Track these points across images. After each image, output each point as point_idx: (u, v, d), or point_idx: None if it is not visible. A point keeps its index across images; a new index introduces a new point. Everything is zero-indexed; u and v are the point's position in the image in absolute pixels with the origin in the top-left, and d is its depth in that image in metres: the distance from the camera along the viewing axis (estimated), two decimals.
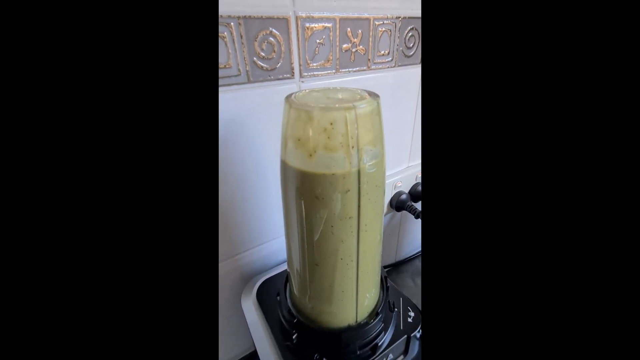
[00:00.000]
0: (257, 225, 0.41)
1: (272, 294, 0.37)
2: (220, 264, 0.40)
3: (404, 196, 0.52)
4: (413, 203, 0.53)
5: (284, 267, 0.42)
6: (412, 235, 0.67)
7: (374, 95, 0.22)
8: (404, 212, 0.59)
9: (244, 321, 0.38)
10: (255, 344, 0.34)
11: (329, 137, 0.20)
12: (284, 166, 0.24)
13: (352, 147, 0.20)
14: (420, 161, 0.56)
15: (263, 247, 0.43)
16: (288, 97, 0.22)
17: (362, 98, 0.22)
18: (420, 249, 0.71)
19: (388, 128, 0.47)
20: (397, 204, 0.52)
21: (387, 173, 0.52)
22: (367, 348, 0.29)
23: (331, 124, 0.20)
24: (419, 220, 0.59)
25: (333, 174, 0.21)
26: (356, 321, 0.29)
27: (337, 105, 0.20)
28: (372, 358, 0.29)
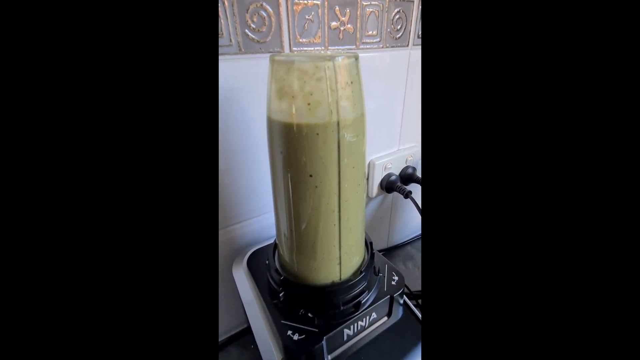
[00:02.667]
0: (249, 198, 0.43)
1: (262, 262, 0.38)
2: None
3: (393, 177, 0.54)
4: (402, 184, 0.55)
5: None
6: (404, 221, 0.68)
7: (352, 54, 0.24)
8: (394, 195, 0.61)
9: (237, 297, 0.39)
10: (245, 308, 0.35)
11: (310, 88, 0.22)
12: (269, 121, 0.25)
13: (332, 97, 0.22)
14: (410, 145, 0.57)
15: (255, 221, 0.45)
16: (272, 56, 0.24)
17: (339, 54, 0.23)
18: (411, 236, 0.72)
19: (378, 110, 0.49)
20: (387, 185, 0.54)
21: (378, 154, 0.54)
22: (351, 304, 0.30)
23: (312, 73, 0.22)
24: (411, 205, 0.60)
25: (315, 124, 0.23)
26: (340, 278, 0.30)
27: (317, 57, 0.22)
28: (355, 314, 0.30)
